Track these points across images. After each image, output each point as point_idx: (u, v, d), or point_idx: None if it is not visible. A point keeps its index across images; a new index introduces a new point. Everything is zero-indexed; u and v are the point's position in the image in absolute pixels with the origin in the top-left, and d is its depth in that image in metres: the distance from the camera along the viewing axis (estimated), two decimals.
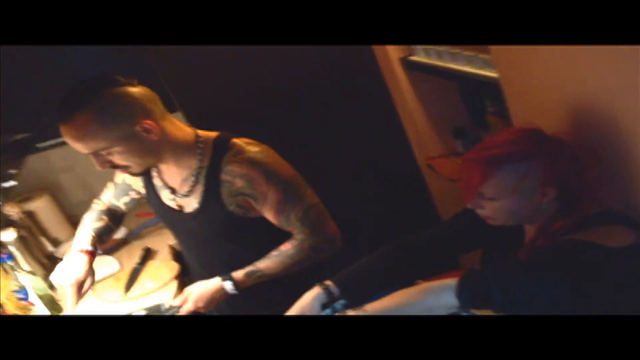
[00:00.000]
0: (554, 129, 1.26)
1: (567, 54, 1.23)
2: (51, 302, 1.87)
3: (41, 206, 2.50)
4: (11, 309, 1.78)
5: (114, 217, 1.81)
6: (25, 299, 1.87)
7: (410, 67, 2.28)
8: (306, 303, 1.35)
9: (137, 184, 1.69)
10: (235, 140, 1.50)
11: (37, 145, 2.51)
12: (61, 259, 2.29)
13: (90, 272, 1.64)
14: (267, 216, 1.52)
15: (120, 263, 2.22)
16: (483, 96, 2.12)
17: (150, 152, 1.42)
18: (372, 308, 1.23)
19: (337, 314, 1.31)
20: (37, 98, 2.27)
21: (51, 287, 2.05)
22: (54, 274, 1.63)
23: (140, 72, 1.49)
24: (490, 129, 2.11)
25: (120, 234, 2.35)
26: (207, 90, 2.36)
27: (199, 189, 1.51)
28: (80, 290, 1.60)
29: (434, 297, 1.18)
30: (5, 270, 1.90)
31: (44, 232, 2.49)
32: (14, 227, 2.15)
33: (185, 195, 1.54)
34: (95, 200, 1.83)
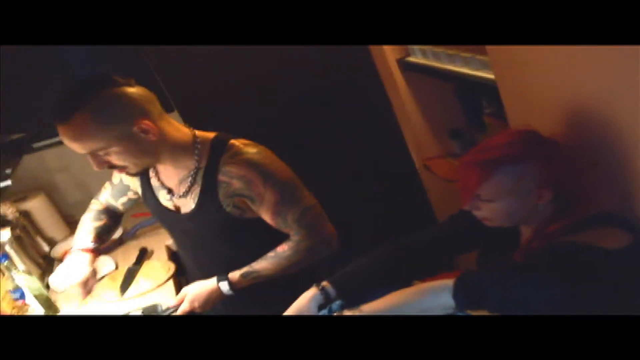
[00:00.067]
0: (550, 130, 1.27)
1: (564, 56, 1.23)
2: (47, 301, 1.86)
3: (37, 206, 2.50)
4: (7, 309, 1.77)
5: (113, 217, 1.81)
6: (21, 298, 1.86)
7: (408, 68, 2.29)
8: (303, 304, 1.35)
9: (135, 184, 1.68)
10: (233, 141, 1.50)
11: (33, 145, 2.50)
12: (57, 259, 2.30)
13: (94, 270, 1.64)
14: (264, 217, 1.52)
15: (116, 263, 2.21)
16: (480, 97, 2.13)
17: (148, 152, 1.42)
18: (369, 308, 1.23)
19: (333, 314, 1.31)
20: (33, 98, 2.26)
21: (47, 287, 2.05)
22: (57, 274, 1.63)
23: (136, 72, 1.49)
24: (487, 130, 2.12)
25: (116, 233, 2.34)
26: (203, 90, 2.36)
27: (196, 189, 1.51)
28: (85, 288, 1.61)
29: (430, 297, 1.19)
30: (0, 270, 1.90)
31: (40, 232, 2.48)
32: (9, 227, 2.14)
33: (182, 196, 1.54)
34: (93, 201, 1.82)
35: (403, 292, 1.23)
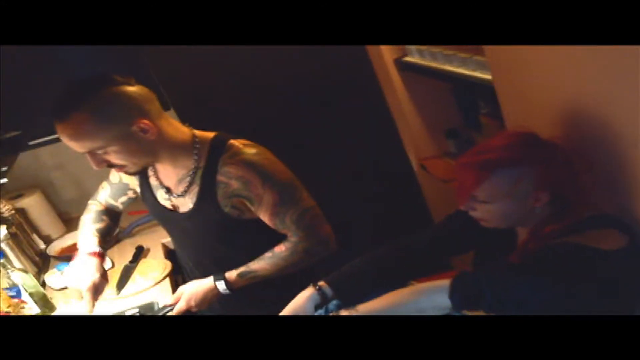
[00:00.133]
0: (547, 130, 1.27)
1: (562, 56, 1.23)
2: (43, 299, 1.86)
3: (32, 203, 2.49)
4: (3, 307, 1.77)
5: (113, 217, 1.81)
6: (17, 296, 1.86)
7: (405, 68, 2.29)
8: (299, 304, 1.35)
9: (134, 182, 1.68)
10: (233, 142, 1.50)
11: (29, 142, 2.49)
12: (53, 256, 2.30)
13: (104, 273, 1.64)
14: (262, 218, 1.52)
15: (112, 261, 2.21)
16: (476, 97, 2.13)
17: (147, 151, 1.42)
18: (365, 308, 1.24)
19: (330, 314, 1.31)
20: (29, 96, 2.26)
21: (43, 284, 2.04)
22: (66, 278, 1.62)
23: (134, 71, 1.49)
24: (483, 130, 2.12)
25: None
26: (202, 90, 2.36)
27: (195, 189, 1.51)
28: (96, 292, 1.61)
29: (426, 298, 1.19)
30: None
31: (35, 230, 2.48)
32: (5, 224, 2.14)
33: (181, 196, 1.54)
34: (91, 201, 1.81)
35: (399, 292, 1.23)
